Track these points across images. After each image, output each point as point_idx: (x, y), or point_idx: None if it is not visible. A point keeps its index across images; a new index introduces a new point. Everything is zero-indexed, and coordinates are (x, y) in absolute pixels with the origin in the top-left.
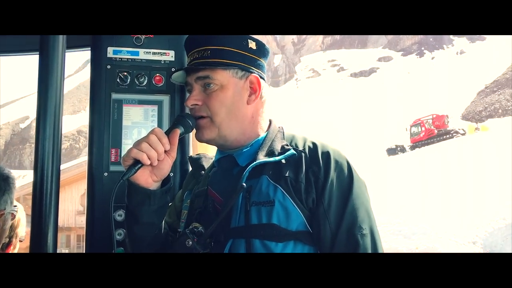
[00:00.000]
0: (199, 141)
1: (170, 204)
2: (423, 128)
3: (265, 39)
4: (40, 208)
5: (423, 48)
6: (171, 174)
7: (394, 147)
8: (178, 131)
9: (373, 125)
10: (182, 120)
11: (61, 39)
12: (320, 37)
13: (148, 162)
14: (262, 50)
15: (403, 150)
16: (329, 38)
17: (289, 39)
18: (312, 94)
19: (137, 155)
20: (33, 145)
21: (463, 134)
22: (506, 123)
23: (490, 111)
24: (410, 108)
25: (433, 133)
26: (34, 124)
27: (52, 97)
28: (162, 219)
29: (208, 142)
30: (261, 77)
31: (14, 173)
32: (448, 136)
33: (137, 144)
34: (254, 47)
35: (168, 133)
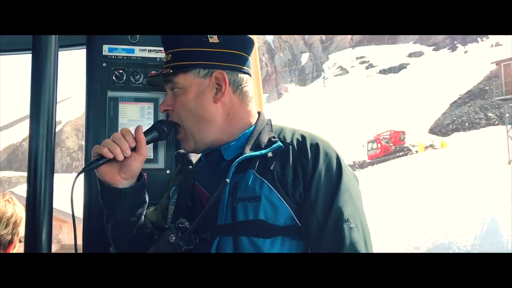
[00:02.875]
0: (186, 152)
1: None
2: (379, 145)
3: (292, 37)
4: (34, 207)
5: (455, 42)
6: (168, 172)
7: (352, 163)
8: (141, 127)
9: (399, 123)
10: (157, 125)
11: (54, 38)
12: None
13: (110, 156)
14: (230, 40)
15: (362, 166)
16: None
17: (317, 37)
18: (339, 92)
19: (98, 149)
20: (64, 149)
21: (417, 152)
22: (469, 138)
23: (457, 124)
24: (439, 105)
25: (389, 150)
26: (65, 129)
27: (46, 96)
28: (139, 218)
29: (193, 152)
30: (233, 70)
31: None
32: (402, 153)
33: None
34: (217, 41)
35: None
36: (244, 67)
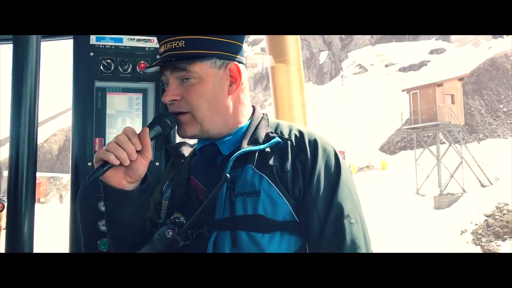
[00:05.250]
0: (181, 137)
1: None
2: None
3: (311, 35)
4: (16, 202)
5: (479, 38)
6: (157, 164)
7: None
8: (147, 130)
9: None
10: (160, 119)
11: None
12: None
13: (117, 162)
14: None
15: None
16: None
17: (336, 35)
18: (356, 91)
19: (104, 155)
20: None
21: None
22: (413, 158)
23: (405, 142)
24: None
25: None
26: None
27: (27, 86)
28: (143, 219)
29: (192, 137)
30: (240, 62)
31: (66, 177)
32: None
33: (106, 145)
34: None
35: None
36: (244, 59)
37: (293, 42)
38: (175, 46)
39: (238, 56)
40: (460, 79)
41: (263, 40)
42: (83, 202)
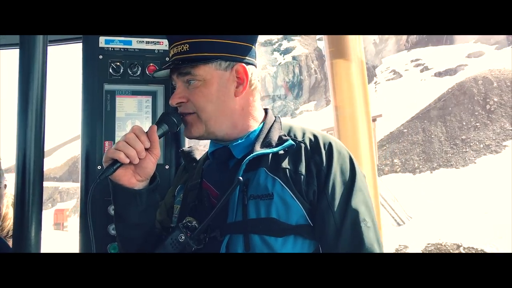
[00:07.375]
0: (187, 138)
1: (160, 202)
2: None
3: None
4: (23, 203)
5: None
6: (167, 167)
7: None
8: (155, 128)
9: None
10: (166, 117)
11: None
12: (404, 35)
13: (127, 161)
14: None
15: None
16: (414, 36)
17: (370, 40)
18: (389, 97)
19: (114, 154)
20: None
21: None
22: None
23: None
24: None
25: None
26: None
27: (34, 88)
28: (152, 219)
29: (197, 138)
30: (249, 64)
31: None
32: None
33: (116, 143)
34: None
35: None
36: (255, 60)
37: None
38: (180, 50)
39: (247, 58)
40: (374, 120)
41: (295, 48)
42: (93, 207)
